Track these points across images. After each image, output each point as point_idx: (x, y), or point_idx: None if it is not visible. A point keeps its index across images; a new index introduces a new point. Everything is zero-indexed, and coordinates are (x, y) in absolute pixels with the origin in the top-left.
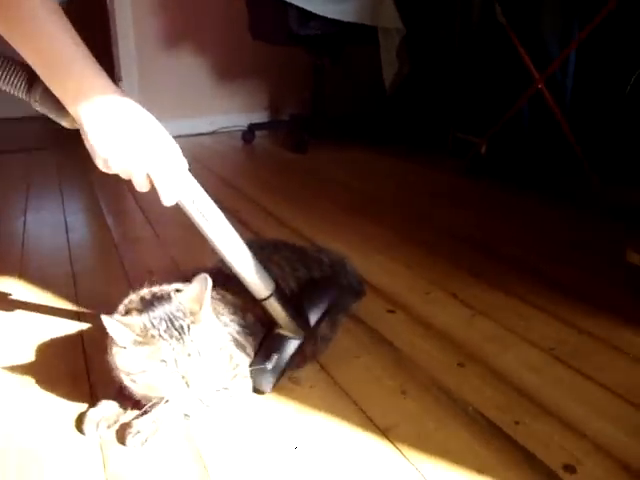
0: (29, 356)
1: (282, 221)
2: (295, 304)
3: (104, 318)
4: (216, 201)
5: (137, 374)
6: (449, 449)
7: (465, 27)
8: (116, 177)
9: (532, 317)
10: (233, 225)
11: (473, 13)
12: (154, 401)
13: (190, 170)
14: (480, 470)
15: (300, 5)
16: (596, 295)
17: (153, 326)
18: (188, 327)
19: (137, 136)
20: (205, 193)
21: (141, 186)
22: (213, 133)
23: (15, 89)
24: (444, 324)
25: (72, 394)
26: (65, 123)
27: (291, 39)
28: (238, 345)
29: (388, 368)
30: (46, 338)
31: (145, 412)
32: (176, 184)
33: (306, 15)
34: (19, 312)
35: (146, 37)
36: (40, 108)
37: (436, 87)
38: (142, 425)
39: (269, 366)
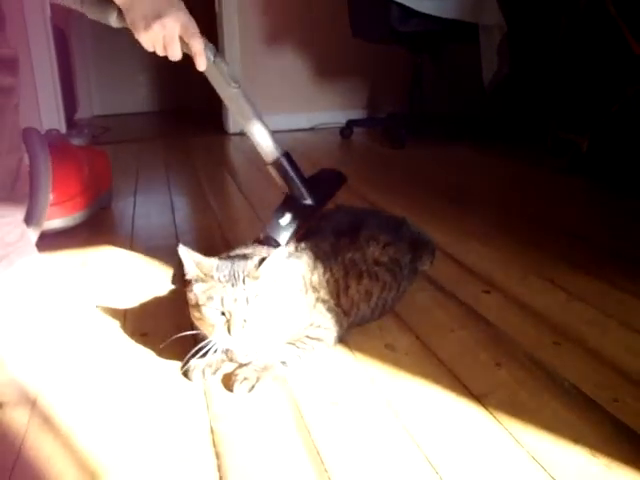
0: (141, 313)
1: (381, 209)
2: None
3: (181, 247)
4: None
5: (194, 307)
6: (543, 419)
7: (571, 20)
8: (219, 164)
9: (632, 305)
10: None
11: (580, 4)
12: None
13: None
14: (575, 440)
15: (401, 2)
16: None
17: (217, 270)
18: (244, 278)
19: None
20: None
21: (175, 53)
22: (312, 129)
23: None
24: (540, 306)
25: (178, 345)
26: (113, 23)
27: (392, 36)
28: (322, 302)
29: (482, 342)
30: (154, 298)
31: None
32: (205, 48)
33: (407, 12)
34: (131, 275)
35: (249, 36)
36: (90, 13)
37: (537, 84)
38: (248, 373)
39: (283, 222)
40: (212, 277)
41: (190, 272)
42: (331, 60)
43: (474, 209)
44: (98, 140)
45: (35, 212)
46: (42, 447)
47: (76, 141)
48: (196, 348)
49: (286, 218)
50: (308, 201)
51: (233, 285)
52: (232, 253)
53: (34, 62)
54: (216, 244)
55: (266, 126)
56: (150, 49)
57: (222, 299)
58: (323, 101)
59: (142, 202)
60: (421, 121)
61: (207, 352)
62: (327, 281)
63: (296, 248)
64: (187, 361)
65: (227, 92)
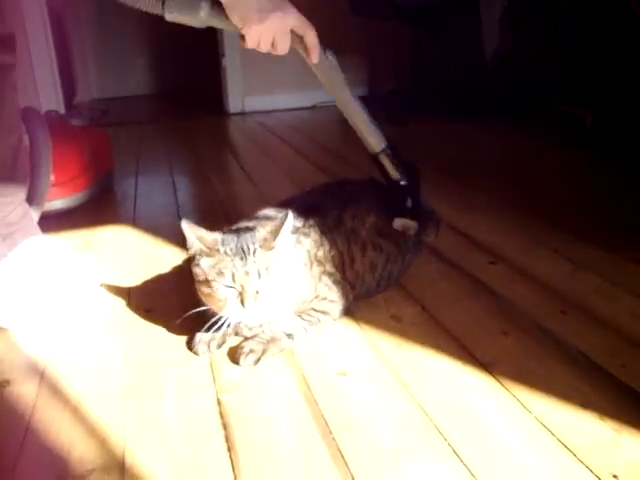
0: (145, 290)
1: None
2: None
3: (184, 223)
4: (321, 166)
5: (202, 283)
6: (551, 385)
7: None
8: (220, 144)
9: (638, 273)
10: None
11: None
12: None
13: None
14: (584, 405)
15: None
16: None
17: (223, 244)
18: (254, 250)
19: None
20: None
21: (284, 47)
22: (312, 107)
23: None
24: (546, 276)
25: (183, 322)
26: (197, 23)
27: (392, 11)
28: (327, 274)
29: (489, 312)
30: (158, 275)
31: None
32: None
33: None
34: (134, 254)
35: None
36: (176, 15)
37: (539, 58)
38: (254, 345)
39: (409, 203)
40: (218, 251)
41: (193, 247)
42: (331, 37)
43: (478, 183)
44: (98, 123)
45: (36, 192)
46: (51, 420)
47: (75, 122)
48: (208, 324)
49: (409, 202)
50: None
51: (242, 258)
52: (234, 227)
53: (31, 46)
54: (219, 222)
55: (372, 119)
56: (253, 44)
57: (233, 274)
58: None
59: (144, 182)
60: (423, 97)
61: (218, 327)
62: (333, 256)
63: (304, 225)
64: (194, 336)
65: (338, 86)
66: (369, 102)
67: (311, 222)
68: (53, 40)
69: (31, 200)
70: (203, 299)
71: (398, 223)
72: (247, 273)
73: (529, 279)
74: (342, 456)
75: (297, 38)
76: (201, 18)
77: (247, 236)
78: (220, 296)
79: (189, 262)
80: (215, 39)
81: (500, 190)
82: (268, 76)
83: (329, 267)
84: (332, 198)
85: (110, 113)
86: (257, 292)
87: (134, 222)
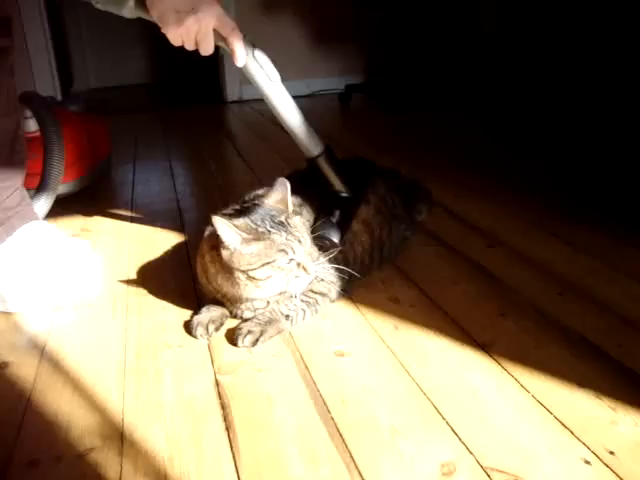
0: (144, 274)
1: None
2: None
3: (215, 218)
4: None
5: (258, 269)
6: (549, 365)
7: None
8: (218, 132)
9: (636, 256)
10: None
11: None
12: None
13: None
14: (581, 384)
15: None
16: None
17: (257, 225)
18: (287, 221)
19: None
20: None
21: (208, 48)
22: (310, 95)
23: None
24: (544, 259)
25: (181, 306)
26: (126, 13)
27: None
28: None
29: (487, 294)
30: (156, 259)
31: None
32: (242, 41)
33: None
34: (132, 239)
35: (245, 2)
36: (102, 5)
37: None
38: (252, 327)
39: (334, 219)
40: (263, 233)
41: (232, 239)
42: (329, 25)
43: (475, 168)
44: (95, 110)
45: (49, 178)
46: (50, 400)
47: (72, 108)
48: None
49: (336, 215)
50: (345, 194)
51: (286, 232)
52: (232, 206)
53: (27, 33)
54: (217, 208)
55: (306, 122)
56: (177, 44)
57: (292, 249)
58: (321, 67)
59: (142, 169)
60: (420, 86)
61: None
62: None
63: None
64: (192, 319)
65: (267, 87)
66: (368, 88)
67: (300, 200)
68: (49, 28)
69: (45, 186)
70: (251, 287)
71: (316, 238)
72: (300, 242)
73: (527, 262)
74: (340, 434)
75: (221, 37)
76: (128, 10)
77: (267, 211)
78: (283, 274)
79: (216, 252)
80: None
81: (496, 175)
82: None
83: None
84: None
85: (108, 103)
86: (311, 255)
87: (132, 208)
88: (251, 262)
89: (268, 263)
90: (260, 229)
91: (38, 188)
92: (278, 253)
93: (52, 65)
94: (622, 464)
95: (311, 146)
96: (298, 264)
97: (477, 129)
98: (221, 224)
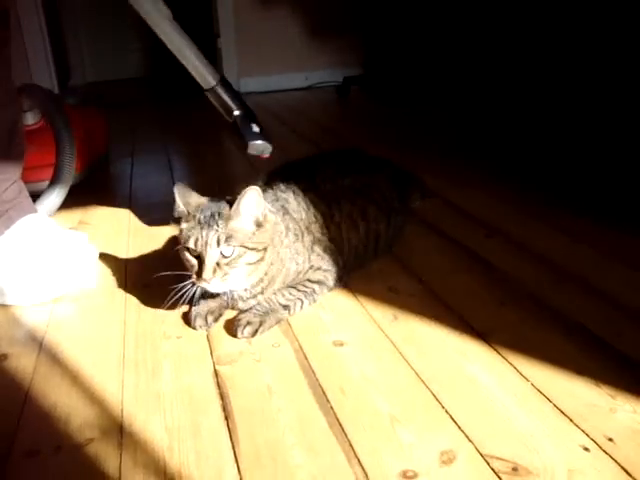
0: (142, 266)
1: None
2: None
3: (177, 186)
4: (316, 144)
5: (180, 249)
6: (548, 354)
7: None
8: (214, 123)
9: (634, 245)
10: None
11: None
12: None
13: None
14: (580, 372)
15: None
16: None
17: (200, 211)
18: (218, 220)
19: None
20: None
21: None
22: (309, 88)
23: None
24: (542, 248)
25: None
26: None
27: None
28: (317, 243)
29: (486, 284)
30: (154, 252)
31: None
32: None
33: None
34: (131, 231)
35: None
36: None
37: None
38: (251, 317)
39: (256, 129)
40: (194, 217)
41: (178, 209)
42: (326, 17)
43: (473, 160)
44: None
45: (62, 171)
46: (49, 391)
47: (70, 100)
48: (174, 292)
49: (255, 127)
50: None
51: (209, 227)
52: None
53: (24, 26)
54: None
55: (201, 54)
56: None
57: (196, 241)
58: (319, 59)
59: (140, 163)
60: (418, 78)
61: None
62: (314, 215)
63: (277, 191)
64: (191, 310)
65: (160, 20)
66: (366, 81)
67: (284, 187)
68: (46, 21)
69: (58, 179)
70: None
71: (252, 148)
72: (207, 243)
73: (525, 251)
74: (339, 424)
75: None
76: None
77: (221, 206)
78: (186, 263)
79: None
80: (210, 20)
81: (493, 167)
82: (263, 57)
83: (316, 230)
84: (309, 163)
85: (105, 97)
86: (218, 264)
87: (130, 200)
88: (178, 238)
89: (182, 246)
90: (195, 213)
91: (51, 182)
92: (184, 241)
93: (49, 59)
94: (621, 451)
95: (208, 77)
96: (201, 260)
97: (475, 121)
98: (178, 191)
